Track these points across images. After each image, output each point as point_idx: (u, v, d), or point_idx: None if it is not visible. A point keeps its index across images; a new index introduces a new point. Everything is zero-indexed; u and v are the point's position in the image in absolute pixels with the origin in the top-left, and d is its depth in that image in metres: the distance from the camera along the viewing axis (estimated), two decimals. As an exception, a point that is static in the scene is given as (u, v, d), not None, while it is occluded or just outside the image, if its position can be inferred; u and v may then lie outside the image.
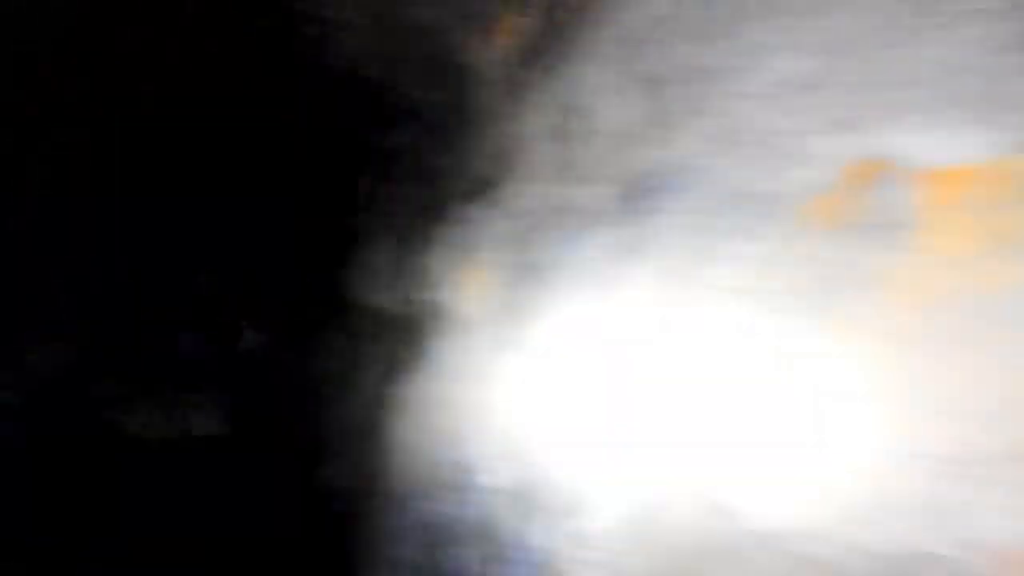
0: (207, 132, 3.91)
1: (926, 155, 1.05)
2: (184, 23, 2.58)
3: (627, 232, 1.63)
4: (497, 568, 1.79)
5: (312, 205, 4.81)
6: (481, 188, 2.42)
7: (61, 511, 3.72)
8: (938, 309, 0.97)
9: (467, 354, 2.17)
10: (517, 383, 1.89)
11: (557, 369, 1.74)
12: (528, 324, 1.88)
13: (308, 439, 4.24)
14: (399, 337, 3.43)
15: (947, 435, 0.93)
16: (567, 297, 1.76)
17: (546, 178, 2.01)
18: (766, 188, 1.32)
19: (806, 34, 1.26)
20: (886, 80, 1.12)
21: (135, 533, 3.89)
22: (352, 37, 3.23)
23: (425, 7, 2.79)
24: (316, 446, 4.41)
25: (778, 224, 1.27)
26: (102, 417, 4.24)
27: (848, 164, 1.17)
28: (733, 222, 1.36)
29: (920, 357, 0.97)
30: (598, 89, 1.78)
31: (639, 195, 1.63)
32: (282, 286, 4.90)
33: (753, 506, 1.18)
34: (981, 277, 0.94)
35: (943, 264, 0.98)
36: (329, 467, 4.19)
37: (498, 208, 2.23)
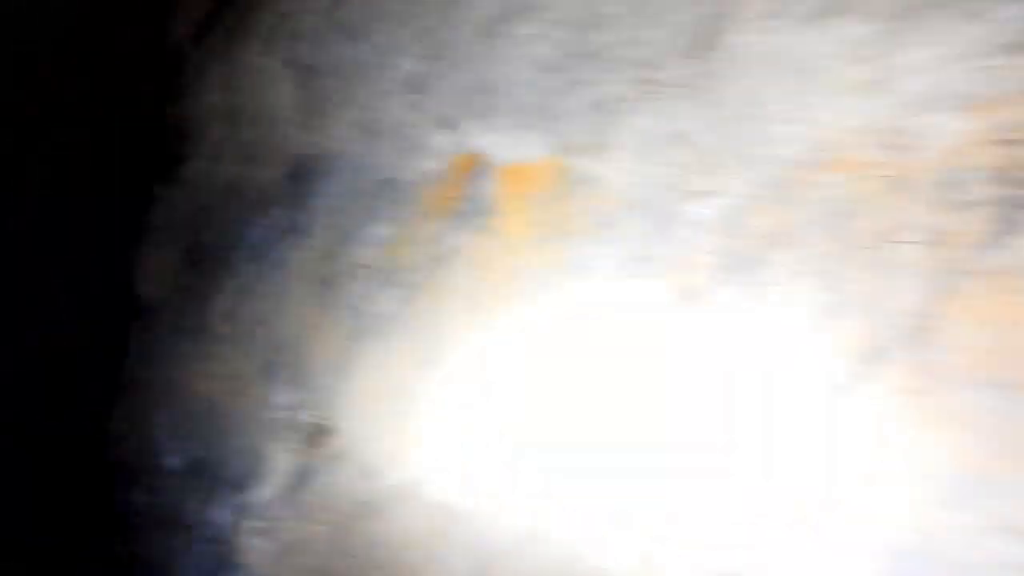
0: None
1: (503, 152, 1.26)
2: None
3: (291, 213, 1.70)
4: (183, 550, 1.81)
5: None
6: (164, 166, 2.34)
7: None
8: (503, 283, 1.18)
9: (149, 337, 2.11)
10: (196, 365, 1.90)
11: (233, 350, 1.78)
12: (203, 307, 1.89)
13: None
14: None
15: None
16: (237, 279, 1.80)
17: (222, 158, 2.01)
18: (397, 176, 1.47)
19: (421, 37, 1.42)
20: (475, 86, 1.31)
21: None
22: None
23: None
24: None
25: (405, 208, 1.43)
26: None
27: (454, 156, 1.35)
28: (372, 206, 1.50)
29: (485, 319, 1.19)
30: (262, 73, 1.82)
31: (302, 178, 1.71)
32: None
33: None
34: (532, 256, 1.16)
35: (508, 245, 1.20)
36: None
37: (178, 188, 2.18)
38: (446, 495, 1.33)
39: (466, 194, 1.30)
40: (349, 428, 1.45)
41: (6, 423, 1.97)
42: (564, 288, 1.13)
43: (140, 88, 2.53)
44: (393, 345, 1.37)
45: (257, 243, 1.77)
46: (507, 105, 1.23)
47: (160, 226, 2.24)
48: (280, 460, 1.56)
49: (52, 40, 2.43)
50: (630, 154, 1.13)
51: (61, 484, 2.07)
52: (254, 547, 1.58)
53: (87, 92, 2.41)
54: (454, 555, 1.28)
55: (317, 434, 1.52)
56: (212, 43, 2.05)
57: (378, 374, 1.38)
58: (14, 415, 1.98)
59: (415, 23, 1.45)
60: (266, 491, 1.57)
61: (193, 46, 2.19)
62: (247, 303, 1.74)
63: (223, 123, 1.99)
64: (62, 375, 2.10)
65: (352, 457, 1.46)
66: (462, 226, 1.28)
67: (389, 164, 1.51)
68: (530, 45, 1.21)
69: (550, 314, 1.12)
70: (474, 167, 1.30)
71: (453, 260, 1.28)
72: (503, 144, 1.24)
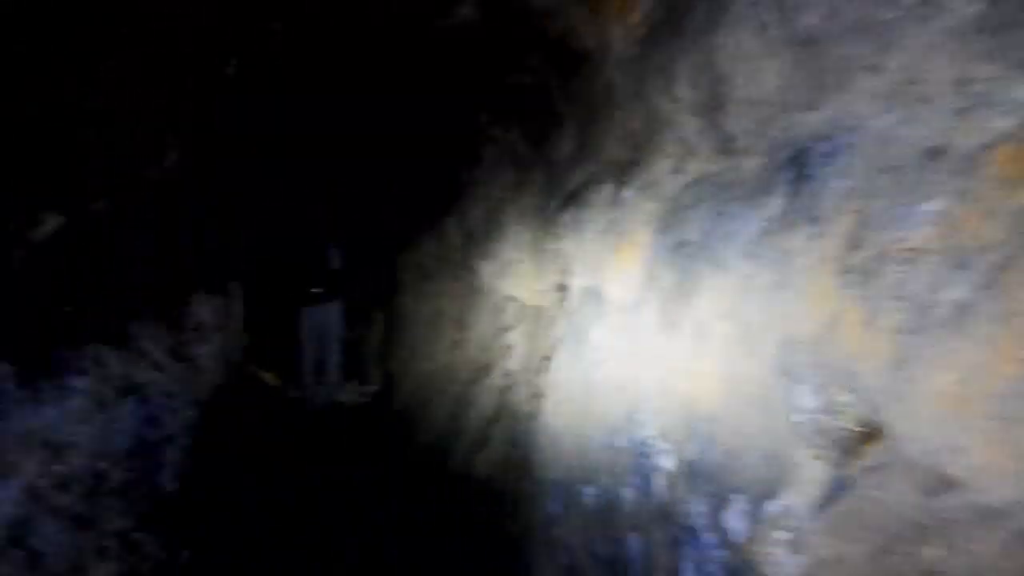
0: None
1: None
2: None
3: (793, 201, 1.58)
4: (680, 552, 1.80)
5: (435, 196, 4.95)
6: (620, 170, 2.41)
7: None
8: None
9: (625, 336, 2.17)
10: (681, 364, 1.88)
11: (726, 348, 1.72)
12: (689, 303, 1.86)
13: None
14: (540, 324, 3.49)
15: None
16: (729, 275, 1.73)
17: (694, 153, 1.98)
18: (950, 141, 1.24)
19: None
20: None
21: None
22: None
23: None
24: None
25: (969, 178, 1.19)
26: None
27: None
28: (914, 180, 1.29)
29: None
30: (744, 54, 1.73)
31: (803, 161, 1.57)
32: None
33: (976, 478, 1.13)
34: None
35: None
36: (468, 452, 4.32)
37: (644, 188, 2.22)
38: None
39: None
40: (907, 436, 1.25)
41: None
42: None
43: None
44: (973, 339, 1.14)
45: (752, 237, 1.68)
46: None
47: (624, 227, 2.30)
48: (810, 468, 1.42)
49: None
50: None
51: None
52: (778, 560, 1.47)
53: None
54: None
55: (856, 441, 1.36)
56: (673, 32, 2.03)
57: (954, 373, 1.16)
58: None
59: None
60: (793, 501, 1.45)
61: (648, 40, 2.21)
62: (746, 300, 1.66)
63: (695, 116, 1.95)
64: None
65: (906, 469, 1.26)
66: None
67: (937, 130, 1.29)
68: None
69: None
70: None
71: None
72: None
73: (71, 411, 2.27)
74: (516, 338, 3.74)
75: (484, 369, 4.74)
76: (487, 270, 3.85)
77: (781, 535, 1.47)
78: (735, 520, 1.58)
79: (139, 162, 2.59)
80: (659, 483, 1.94)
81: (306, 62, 3.33)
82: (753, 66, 1.71)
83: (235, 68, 2.82)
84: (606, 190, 2.48)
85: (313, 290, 5.28)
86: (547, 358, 3.24)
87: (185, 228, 3.19)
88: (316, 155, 7.19)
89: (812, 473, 1.42)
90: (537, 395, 3.28)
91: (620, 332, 2.22)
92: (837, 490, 1.39)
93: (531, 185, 3.44)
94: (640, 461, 2.03)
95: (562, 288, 3.08)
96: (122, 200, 2.56)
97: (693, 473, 1.77)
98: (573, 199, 2.82)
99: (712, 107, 1.84)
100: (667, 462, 1.89)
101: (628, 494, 2.13)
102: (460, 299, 5.47)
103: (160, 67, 2.44)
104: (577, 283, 2.66)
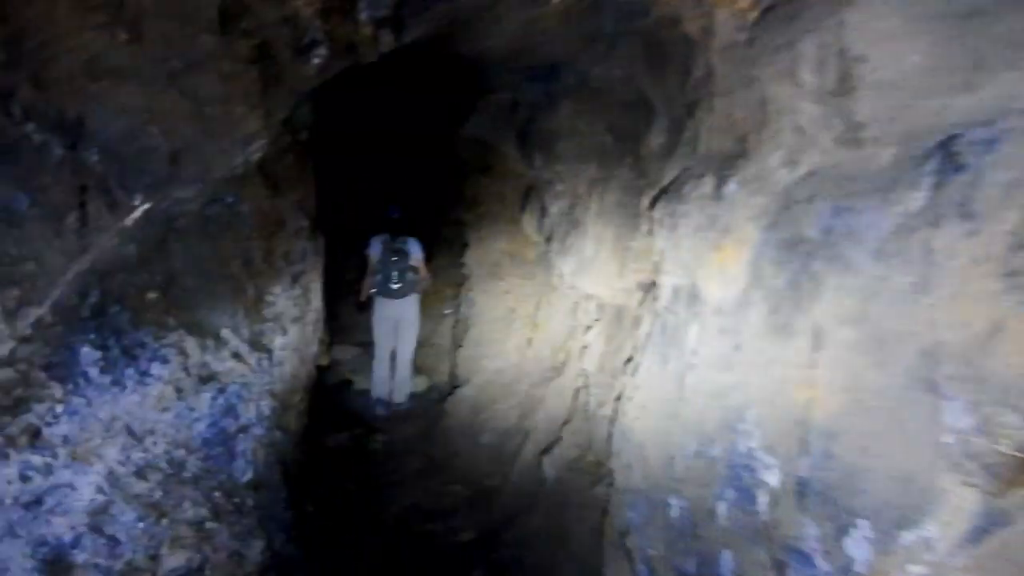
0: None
1: None
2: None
3: (937, 196, 1.40)
4: (787, 572, 1.64)
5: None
6: (721, 163, 2.26)
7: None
8: None
9: (725, 339, 2.02)
10: (792, 372, 1.72)
11: (850, 356, 1.55)
12: (805, 305, 1.70)
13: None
14: (622, 324, 3.36)
15: None
16: (855, 276, 1.57)
17: (813, 144, 1.82)
18: None
19: None
20: None
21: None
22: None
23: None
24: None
25: None
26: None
27: None
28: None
29: None
30: (881, 33, 1.56)
31: (950, 152, 1.40)
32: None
33: None
34: None
35: None
36: (537, 453, 4.21)
37: (750, 182, 2.06)
38: None
39: None
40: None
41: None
42: None
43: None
44: None
45: (884, 235, 1.51)
46: None
47: (727, 223, 2.15)
48: (957, 497, 1.26)
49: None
50: None
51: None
52: (913, 596, 1.30)
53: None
54: None
55: (1016, 469, 1.19)
56: (789, 17, 1.87)
57: None
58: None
59: None
60: (933, 532, 1.28)
61: (758, 25, 2.06)
62: (877, 304, 1.49)
63: (817, 103, 1.79)
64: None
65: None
66: None
67: None
68: None
69: None
70: None
71: None
72: None
73: (151, 398, 2.26)
74: (593, 338, 3.61)
75: (556, 369, 4.63)
76: (565, 267, 3.73)
77: (917, 570, 1.30)
78: (858, 548, 1.42)
79: (230, 153, 2.57)
80: (761, 499, 1.78)
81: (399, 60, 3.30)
82: (892, 45, 1.54)
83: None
84: (705, 184, 2.32)
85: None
86: (629, 359, 3.11)
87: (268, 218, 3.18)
88: (391, 153, 7.23)
89: (959, 502, 1.26)
90: (616, 398, 3.15)
91: (719, 334, 2.06)
92: (989, 523, 1.22)
93: (616, 180, 3.30)
94: (739, 474, 1.88)
95: (649, 287, 2.94)
96: (210, 188, 2.55)
97: (805, 491, 1.61)
98: (666, 194, 2.67)
99: (839, 92, 1.68)
100: (772, 477, 1.73)
101: (722, 508, 1.98)
102: (533, 297, 5.37)
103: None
104: (668, 282, 2.51)
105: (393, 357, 5.64)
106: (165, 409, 2.29)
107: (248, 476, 2.52)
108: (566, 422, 3.89)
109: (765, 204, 1.94)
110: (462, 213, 6.40)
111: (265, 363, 2.80)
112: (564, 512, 3.63)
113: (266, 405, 2.82)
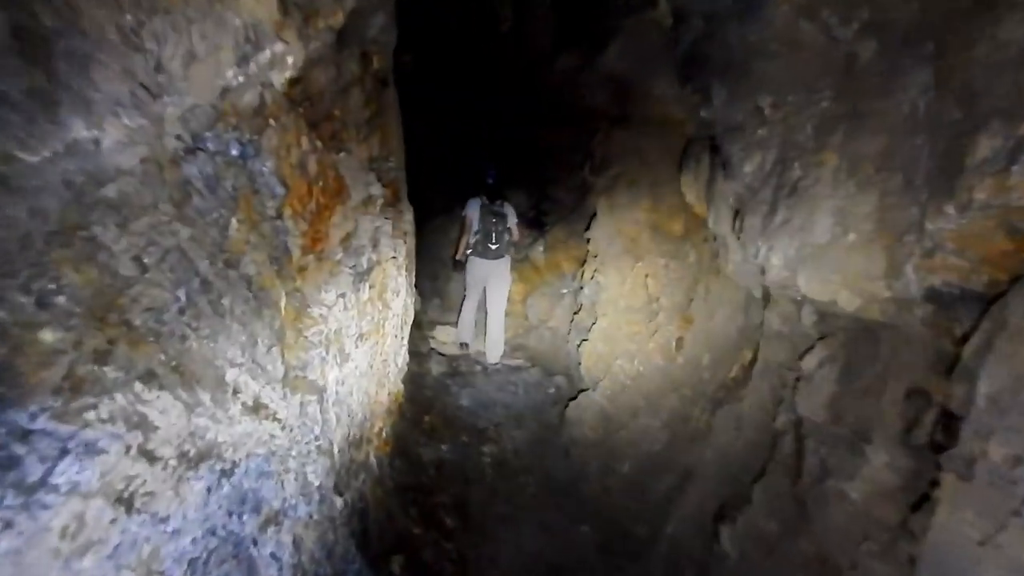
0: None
1: None
2: None
3: None
4: None
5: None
6: None
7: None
8: None
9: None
10: None
11: None
12: None
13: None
14: (866, 344, 2.10)
15: None
16: None
17: None
18: None
19: None
20: None
21: None
22: None
23: None
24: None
25: None
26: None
27: None
28: None
29: None
30: None
31: None
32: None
33: None
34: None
35: None
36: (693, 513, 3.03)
37: None
38: None
39: None
40: None
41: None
42: None
43: None
44: None
45: None
46: None
47: None
48: None
49: None
50: None
51: None
52: None
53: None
54: None
55: None
56: None
57: None
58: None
59: None
60: None
61: None
62: None
63: None
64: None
65: None
66: None
67: None
68: None
69: None
70: None
71: None
72: None
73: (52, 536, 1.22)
74: (812, 363, 2.35)
75: (727, 388, 3.39)
76: (771, 256, 2.46)
77: None
78: None
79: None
80: None
81: None
82: None
83: None
84: None
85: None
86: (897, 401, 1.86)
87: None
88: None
89: None
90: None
91: None
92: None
93: (880, 116, 2.00)
94: None
95: (945, 294, 1.66)
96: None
97: None
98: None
99: None
100: None
101: None
102: (682, 283, 4.12)
103: None
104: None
105: (483, 310, 5.49)
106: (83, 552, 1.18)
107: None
108: (759, 478, 2.66)
109: None
110: (588, 175, 5.16)
111: (311, 409, 1.73)
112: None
113: (314, 471, 1.76)
